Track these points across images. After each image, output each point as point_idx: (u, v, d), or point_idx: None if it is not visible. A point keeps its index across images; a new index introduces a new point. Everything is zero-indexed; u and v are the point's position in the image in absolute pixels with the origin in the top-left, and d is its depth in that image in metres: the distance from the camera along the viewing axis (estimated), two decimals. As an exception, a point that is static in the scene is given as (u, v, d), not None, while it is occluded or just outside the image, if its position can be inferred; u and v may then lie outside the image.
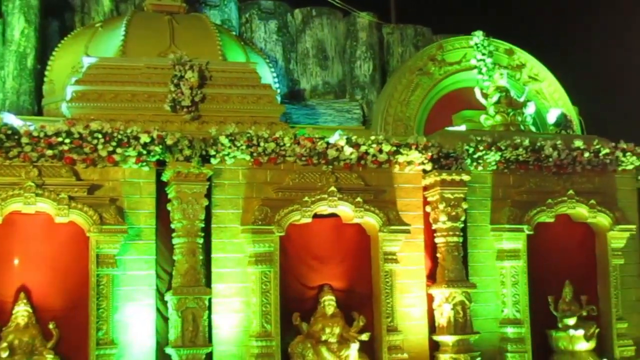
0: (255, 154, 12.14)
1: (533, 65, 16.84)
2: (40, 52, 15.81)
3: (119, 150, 11.54)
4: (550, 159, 13.53)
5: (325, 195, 12.26)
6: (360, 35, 17.86)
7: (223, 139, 11.96)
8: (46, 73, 15.27)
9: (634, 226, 13.92)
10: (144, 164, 11.75)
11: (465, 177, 12.66)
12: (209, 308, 11.64)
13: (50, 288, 11.37)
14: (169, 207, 11.75)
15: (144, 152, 11.64)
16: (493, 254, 13.31)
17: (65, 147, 11.30)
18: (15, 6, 15.72)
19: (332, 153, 12.37)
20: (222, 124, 12.78)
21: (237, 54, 15.03)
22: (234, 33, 16.66)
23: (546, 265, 13.54)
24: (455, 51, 16.45)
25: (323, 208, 12.34)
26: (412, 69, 16.14)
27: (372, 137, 12.72)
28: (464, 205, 12.71)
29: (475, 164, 13.28)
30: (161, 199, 11.90)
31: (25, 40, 15.62)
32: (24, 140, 11.12)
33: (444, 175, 12.55)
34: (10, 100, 15.33)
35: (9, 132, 11.12)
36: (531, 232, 13.26)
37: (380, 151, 12.60)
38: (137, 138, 11.58)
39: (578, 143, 13.77)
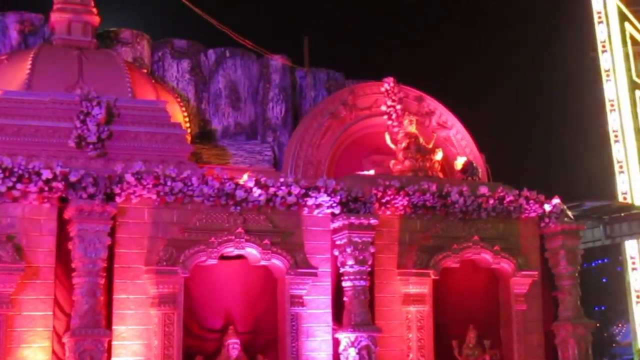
0: (161, 193, 11.96)
1: (442, 112, 17.18)
2: (-58, 83, 15.21)
3: (19, 186, 11.18)
4: (457, 205, 13.76)
5: (233, 237, 12.15)
6: (273, 78, 17.91)
7: (129, 177, 11.75)
8: (-54, 105, 14.69)
9: (536, 272, 14.23)
10: (45, 200, 11.41)
11: (373, 221, 12.74)
12: (109, 351, 11.28)
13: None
14: (69, 246, 11.40)
15: (46, 188, 11.32)
16: (399, 299, 13.37)
17: (-38, 182, 10.89)
18: None
19: (240, 194, 12.28)
20: (129, 161, 12.54)
21: (148, 91, 14.82)
22: (145, 71, 16.46)
23: (451, 310, 13.70)
24: (367, 96, 16.65)
25: (230, 249, 12.21)
26: (324, 112, 16.25)
27: (282, 179, 12.70)
28: (372, 249, 12.76)
29: (383, 208, 13.39)
30: (62, 237, 11.55)
31: None
32: None
33: (352, 219, 12.59)
34: None
35: None
36: (437, 277, 13.39)
37: (290, 193, 12.59)
38: (38, 174, 11.26)
39: (483, 190, 14.06)
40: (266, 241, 12.30)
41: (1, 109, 12.97)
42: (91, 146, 12.98)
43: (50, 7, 15.64)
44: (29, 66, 14.08)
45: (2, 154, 11.61)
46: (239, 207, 12.37)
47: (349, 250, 12.62)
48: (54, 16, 15.50)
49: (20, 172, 11.20)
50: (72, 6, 15.44)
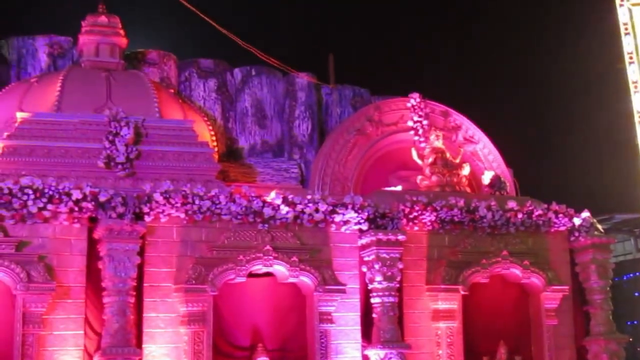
0: (190, 212, 12.04)
1: (468, 127, 17.13)
2: (-27, 106, 15.46)
3: (49, 206, 11.32)
4: (485, 220, 13.69)
5: (261, 254, 12.19)
6: (299, 95, 17.97)
7: (157, 197, 11.85)
8: (-22, 127, 14.92)
9: (566, 287, 14.09)
10: (76, 220, 11.54)
11: (401, 237, 12.72)
12: (139, 370, 11.36)
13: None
14: (99, 266, 11.51)
15: (76, 208, 11.44)
16: (428, 315, 13.31)
17: (-6, 203, 11.06)
18: (-52, 59, 15.46)
19: (268, 212, 12.33)
20: (157, 181, 12.66)
21: (175, 111, 14.95)
22: (172, 91, 16.62)
23: (481, 325, 13.61)
24: (392, 112, 16.64)
25: (258, 267, 12.25)
26: (350, 129, 16.27)
27: (309, 197, 12.74)
28: (400, 265, 12.72)
29: (411, 224, 13.36)
30: (92, 257, 11.66)
31: (-43, 94, 15.30)
32: (-49, 196, 10.84)
33: (380, 235, 12.58)
34: (-61, 154, 14.92)
35: None
36: (466, 293, 13.32)
37: (317, 210, 12.62)
38: (68, 194, 11.40)
39: (511, 204, 13.98)
40: (294, 258, 12.33)
41: (32, 130, 13.17)
42: (120, 166, 13.13)
43: (79, 29, 15.87)
44: (59, 88, 14.27)
45: (33, 175, 11.77)
46: (266, 225, 12.42)
47: (377, 266, 12.61)
48: (83, 39, 15.72)
49: (50, 192, 11.35)
50: (100, 28, 15.67)
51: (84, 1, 16.56)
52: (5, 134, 13.20)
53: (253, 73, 17.96)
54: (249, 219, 12.32)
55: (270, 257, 12.20)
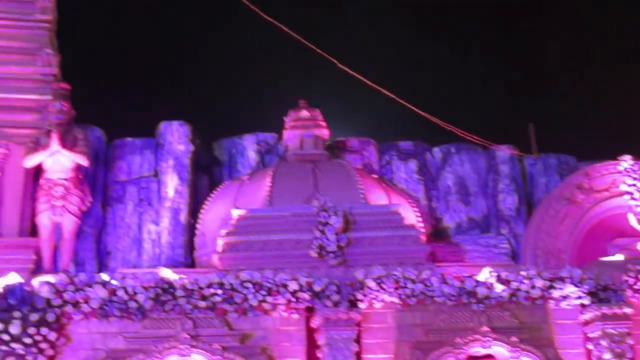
0: (403, 296, 12.04)
1: (690, 183, 16.01)
2: (192, 207, 16.55)
3: (268, 298, 11.74)
4: None
5: (479, 336, 11.90)
6: (501, 168, 17.71)
7: (370, 283, 11.96)
8: (197, 226, 15.91)
9: None
10: (293, 311, 11.86)
11: (628, 310, 11.98)
12: None
13: None
14: (319, 354, 11.69)
15: (293, 299, 11.78)
16: (667, 394, 12.32)
17: (218, 298, 11.61)
18: (169, 165, 16.70)
19: (482, 291, 12.07)
20: (368, 266, 12.79)
21: (379, 196, 15.20)
22: (375, 176, 16.92)
23: None
24: (603, 177, 15.89)
25: (477, 349, 11.93)
26: (559, 198, 15.69)
27: (523, 273, 12.36)
28: (630, 341, 11.95)
29: (637, 295, 12.54)
30: (311, 346, 11.88)
31: (178, 196, 16.47)
32: (179, 293, 11.53)
33: (605, 309, 11.93)
34: (165, 254, 16.04)
35: (165, 286, 11.58)
36: None
37: (533, 287, 12.21)
38: (285, 286, 11.79)
39: None
40: (513, 338, 11.93)
41: (247, 226, 13.83)
42: (331, 255, 13.44)
43: (283, 126, 16.70)
44: (269, 183, 14.98)
45: (251, 269, 12.29)
46: (481, 305, 12.15)
47: (604, 343, 11.93)
48: (287, 134, 16.52)
49: (269, 285, 11.82)
50: (302, 122, 16.41)
51: (286, 98, 17.44)
52: (224, 231, 13.96)
53: (453, 150, 17.96)
54: (462, 300, 12.13)
55: (489, 339, 11.89)
